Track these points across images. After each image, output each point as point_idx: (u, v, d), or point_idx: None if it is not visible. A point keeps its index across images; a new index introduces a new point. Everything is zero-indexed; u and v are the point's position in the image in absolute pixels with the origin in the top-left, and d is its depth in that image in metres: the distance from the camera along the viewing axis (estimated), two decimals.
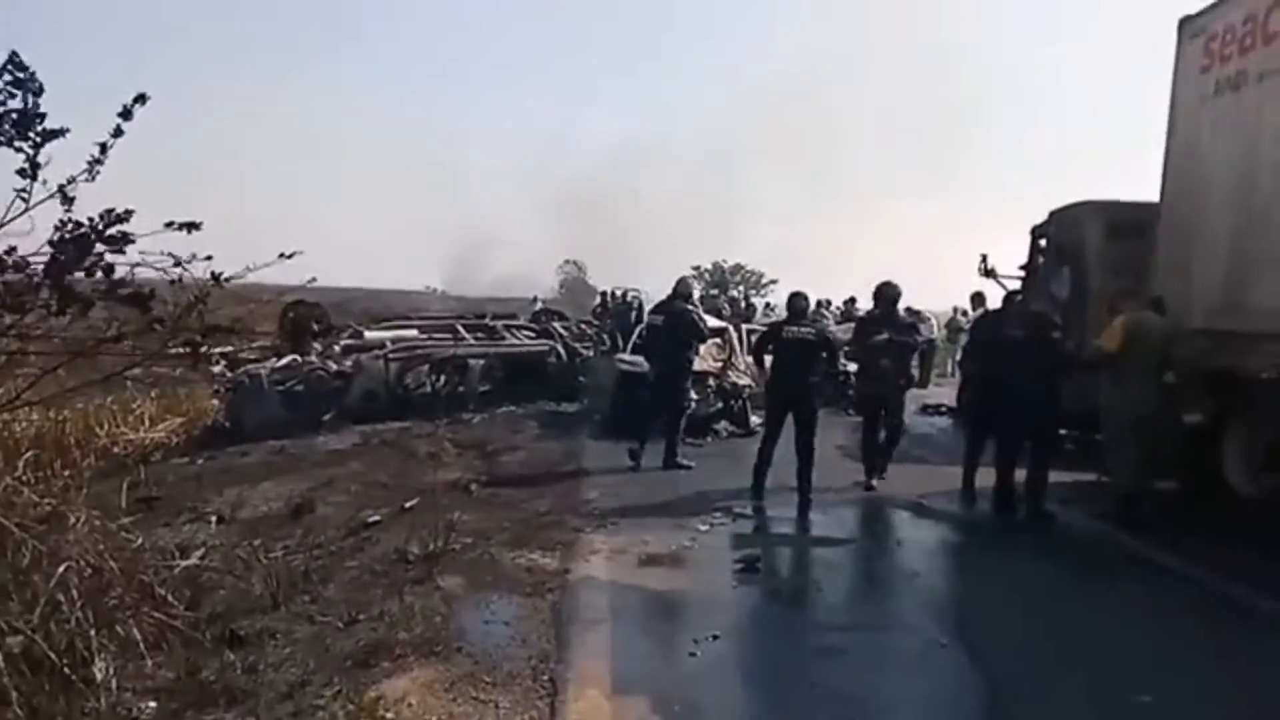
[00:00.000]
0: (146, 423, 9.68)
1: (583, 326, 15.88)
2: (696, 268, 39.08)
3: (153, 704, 3.54)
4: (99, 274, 3.20)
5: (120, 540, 4.61)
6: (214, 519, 6.41)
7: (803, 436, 7.35)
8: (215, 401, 10.77)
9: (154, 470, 7.97)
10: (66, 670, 3.43)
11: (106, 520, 4.72)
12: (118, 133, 3.26)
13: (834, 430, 10.72)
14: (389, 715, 3.50)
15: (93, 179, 3.20)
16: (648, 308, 13.80)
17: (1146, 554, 6.10)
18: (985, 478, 7.33)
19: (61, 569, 3.86)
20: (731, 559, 5.82)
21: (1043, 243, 10.33)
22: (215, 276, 3.42)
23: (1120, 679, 4.05)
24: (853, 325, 15.43)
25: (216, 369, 9.63)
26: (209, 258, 3.41)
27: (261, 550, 5.29)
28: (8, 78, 3.08)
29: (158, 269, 3.33)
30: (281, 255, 3.68)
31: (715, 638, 4.41)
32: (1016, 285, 9.91)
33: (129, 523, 5.00)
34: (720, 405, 10.68)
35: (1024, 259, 10.64)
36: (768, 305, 22.92)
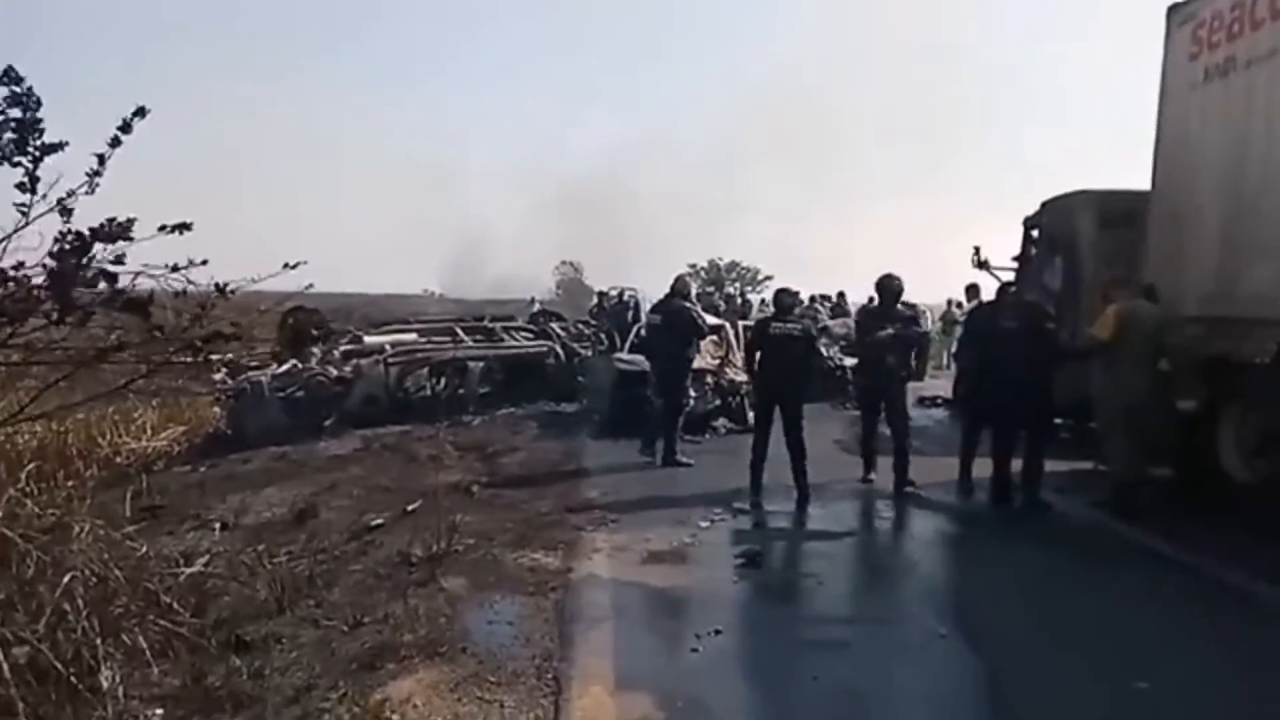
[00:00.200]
0: (149, 432, 9.72)
1: (580, 327, 15.90)
2: (693, 265, 39.05)
3: (159, 711, 3.58)
4: (100, 283, 3.22)
5: (125, 549, 4.64)
6: (218, 526, 6.45)
7: (791, 434, 7.34)
8: (217, 409, 10.81)
9: (157, 479, 8.00)
10: (73, 679, 3.46)
11: (110, 529, 4.75)
12: (115, 143, 3.29)
13: (832, 424, 10.79)
14: (395, 717, 3.54)
15: (92, 191, 3.23)
16: (645, 307, 13.84)
17: (1143, 542, 6.14)
18: (982, 468, 7.37)
19: (66, 579, 3.89)
20: (732, 555, 5.86)
21: (1035, 234, 10.37)
22: (220, 288, 3.45)
23: (1119, 666, 4.09)
24: (845, 319, 15.43)
25: (218, 376, 9.66)
26: (204, 262, 3.42)
27: (265, 556, 5.33)
28: (4, 92, 3.10)
29: (156, 277, 3.35)
30: (286, 265, 3.71)
31: (717, 633, 4.45)
32: (1010, 276, 9.93)
33: (133, 531, 5.03)
34: (718, 402, 10.72)
35: (1017, 250, 10.68)
36: (763, 301, 22.94)
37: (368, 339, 12.59)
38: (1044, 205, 10.18)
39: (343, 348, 12.13)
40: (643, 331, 11.53)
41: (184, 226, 3.34)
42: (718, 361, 10.94)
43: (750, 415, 10.28)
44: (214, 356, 4.00)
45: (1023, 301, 7.63)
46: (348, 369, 11.32)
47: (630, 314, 15.60)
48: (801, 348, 7.57)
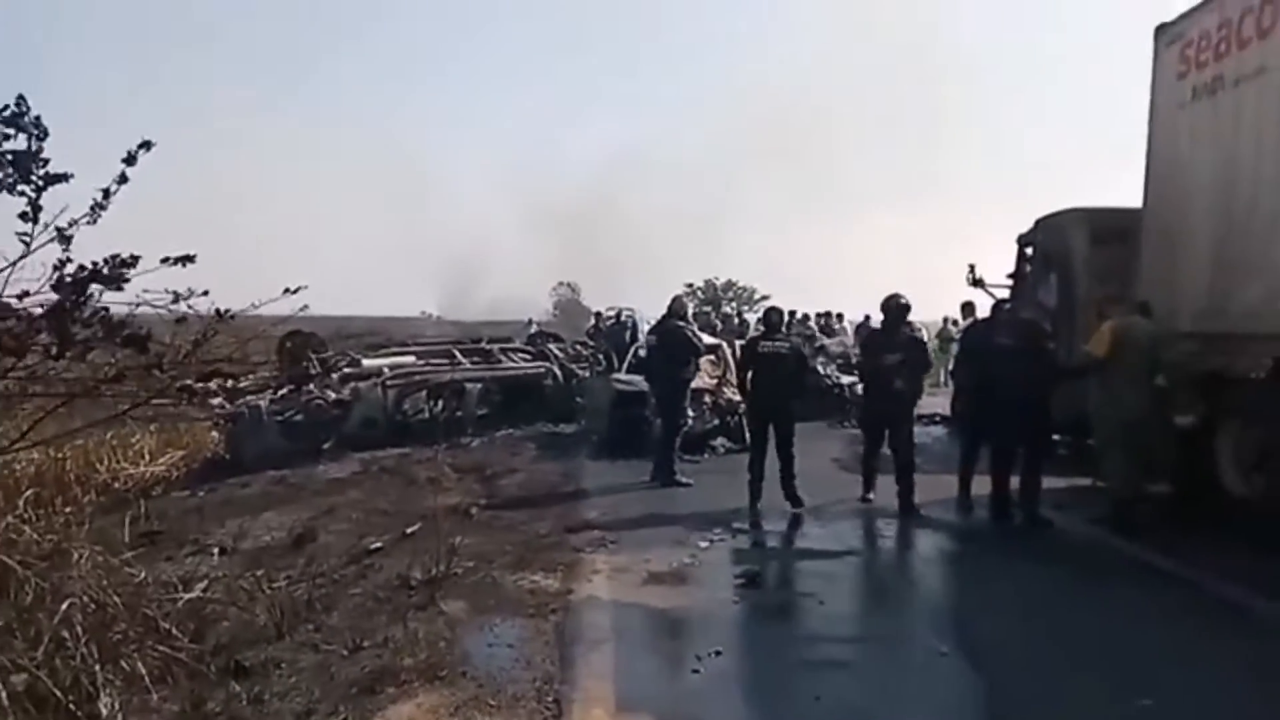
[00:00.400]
0: (146, 457, 9.68)
1: (578, 347, 15.92)
2: (690, 285, 39.15)
3: None
4: (98, 323, 3.24)
5: (123, 575, 4.64)
6: (216, 551, 6.42)
7: (783, 450, 7.64)
8: (215, 434, 10.79)
9: (155, 504, 7.97)
10: (72, 707, 3.45)
11: (109, 555, 4.75)
12: (122, 179, 3.32)
13: (831, 443, 10.82)
14: None
15: (94, 222, 3.26)
16: (643, 327, 13.87)
17: (1142, 557, 6.14)
18: (980, 486, 7.38)
19: (65, 605, 3.89)
20: (732, 574, 5.87)
21: (1029, 251, 10.43)
22: (219, 313, 3.48)
23: (1120, 683, 4.09)
24: (842, 339, 15.48)
25: (215, 401, 9.66)
26: (205, 293, 3.46)
27: (264, 580, 5.31)
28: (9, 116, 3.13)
29: (158, 307, 3.38)
30: (286, 290, 3.74)
31: (718, 653, 4.44)
32: (1005, 294, 9.97)
33: (131, 557, 5.03)
34: (716, 422, 10.74)
35: (1011, 268, 10.74)
36: (758, 321, 22.98)
37: (366, 362, 12.59)
38: (1038, 223, 10.25)
39: (341, 371, 12.14)
40: (641, 352, 11.56)
41: (187, 259, 3.37)
42: (715, 381, 10.96)
43: (747, 435, 10.33)
44: (211, 386, 4.01)
45: (1020, 319, 7.66)
46: (346, 392, 11.33)
47: (628, 334, 15.63)
48: (790, 365, 7.72)
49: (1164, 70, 7.52)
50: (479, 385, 12.59)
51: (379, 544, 6.43)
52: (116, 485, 8.72)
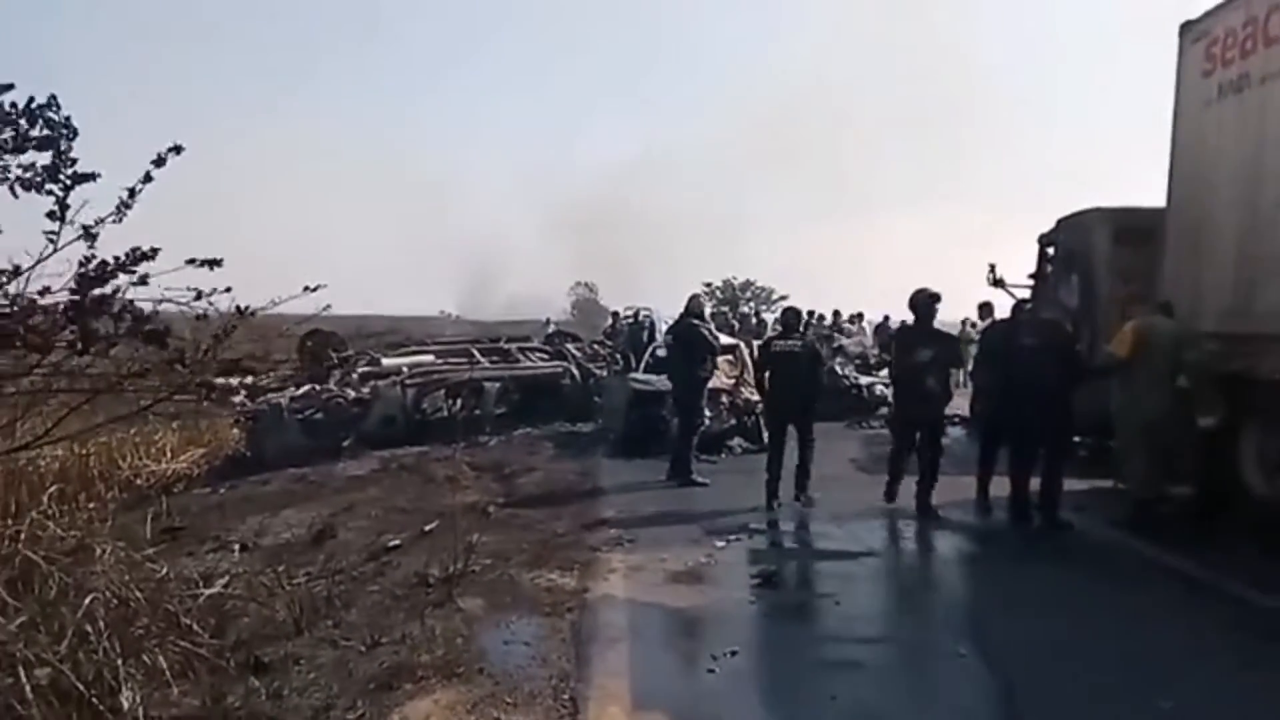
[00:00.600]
0: (168, 454, 9.79)
1: (596, 347, 15.95)
2: (708, 284, 39.16)
3: None
4: (125, 317, 3.28)
5: (145, 570, 4.68)
6: (237, 547, 6.48)
7: (802, 450, 7.82)
8: (236, 431, 10.89)
9: (177, 501, 8.06)
10: (94, 700, 3.48)
11: (131, 551, 4.80)
12: (147, 178, 3.36)
13: (849, 443, 10.78)
14: None
15: (120, 220, 3.29)
16: (661, 327, 13.88)
17: (1163, 560, 6.08)
18: (999, 487, 7.33)
19: (88, 600, 3.93)
20: (749, 574, 5.86)
21: (1051, 251, 10.35)
22: (240, 310, 3.51)
23: (1140, 685, 4.06)
24: (861, 339, 15.42)
25: (237, 399, 9.74)
26: (228, 289, 3.50)
27: (284, 577, 5.34)
28: (40, 120, 3.17)
29: (180, 304, 3.41)
30: (306, 288, 3.77)
31: (734, 653, 4.43)
32: (1025, 294, 9.90)
33: (153, 553, 5.07)
34: (733, 422, 10.72)
35: (1032, 268, 10.66)
36: (776, 321, 22.95)
37: (385, 361, 12.66)
38: (1059, 222, 10.17)
39: (360, 370, 12.22)
40: (659, 352, 11.57)
41: (214, 262, 3.40)
42: (733, 381, 10.94)
43: (765, 434, 10.32)
44: (233, 382, 4.06)
45: (1043, 319, 7.59)
46: (366, 391, 11.40)
47: (646, 334, 15.64)
48: (804, 364, 7.76)
49: (1189, 68, 7.44)
50: (497, 384, 12.63)
51: (397, 541, 6.47)
52: (139, 482, 8.82)
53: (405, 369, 12.13)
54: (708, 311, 10.15)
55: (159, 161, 3.41)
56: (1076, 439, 8.33)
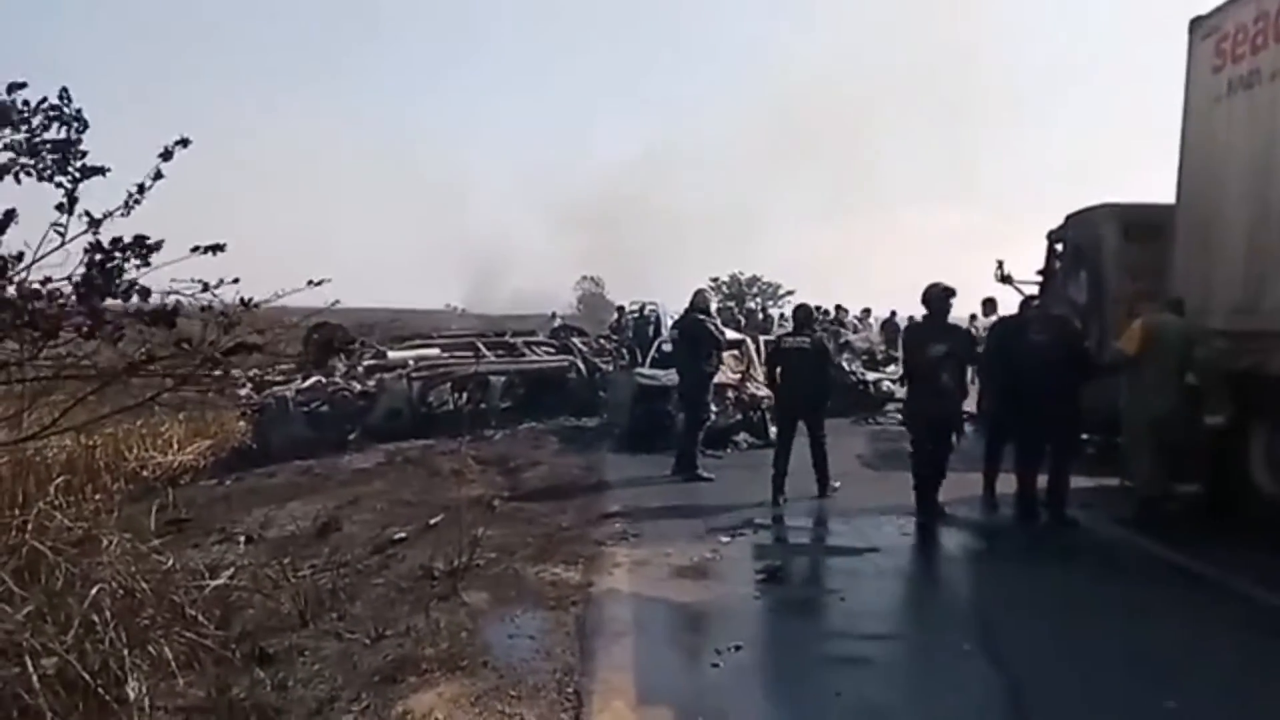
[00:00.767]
0: (175, 446, 9.82)
1: (601, 341, 15.95)
2: (715, 279, 39.18)
3: None
4: (133, 295, 3.28)
5: (151, 562, 4.70)
6: (242, 539, 6.50)
7: (814, 445, 7.88)
8: (242, 423, 10.91)
9: (183, 492, 8.09)
10: (100, 690, 3.49)
11: (137, 542, 4.82)
12: (157, 175, 3.35)
13: (855, 439, 10.76)
14: None
15: (128, 214, 3.29)
16: (666, 321, 13.88)
17: (1169, 558, 6.06)
18: (1006, 484, 7.31)
19: (94, 590, 3.96)
20: (753, 569, 5.85)
21: (1059, 247, 10.29)
22: (245, 301, 3.51)
23: (1145, 684, 4.05)
24: (867, 335, 15.36)
25: (243, 391, 9.76)
26: (236, 280, 3.49)
27: (289, 569, 5.36)
28: (51, 112, 3.17)
29: (186, 296, 3.41)
30: (310, 282, 3.76)
31: (738, 648, 4.43)
32: (1032, 290, 9.86)
33: (159, 544, 5.10)
34: (739, 417, 10.70)
35: (1040, 264, 10.60)
36: (782, 316, 22.93)
37: (391, 354, 12.68)
38: (1068, 218, 10.11)
39: (366, 363, 12.25)
40: (665, 346, 11.56)
41: (217, 248, 3.41)
42: (739, 376, 10.93)
43: (771, 430, 10.32)
44: (237, 371, 4.06)
45: (1052, 316, 7.56)
46: (371, 384, 11.42)
47: (651, 328, 15.64)
48: (812, 359, 7.82)
49: (1199, 64, 7.38)
50: (503, 378, 12.64)
51: (402, 534, 6.49)
52: (145, 473, 8.85)
53: (411, 362, 12.15)
54: (714, 307, 10.13)
55: (166, 155, 3.40)
56: (1084, 436, 8.29)
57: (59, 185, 3.22)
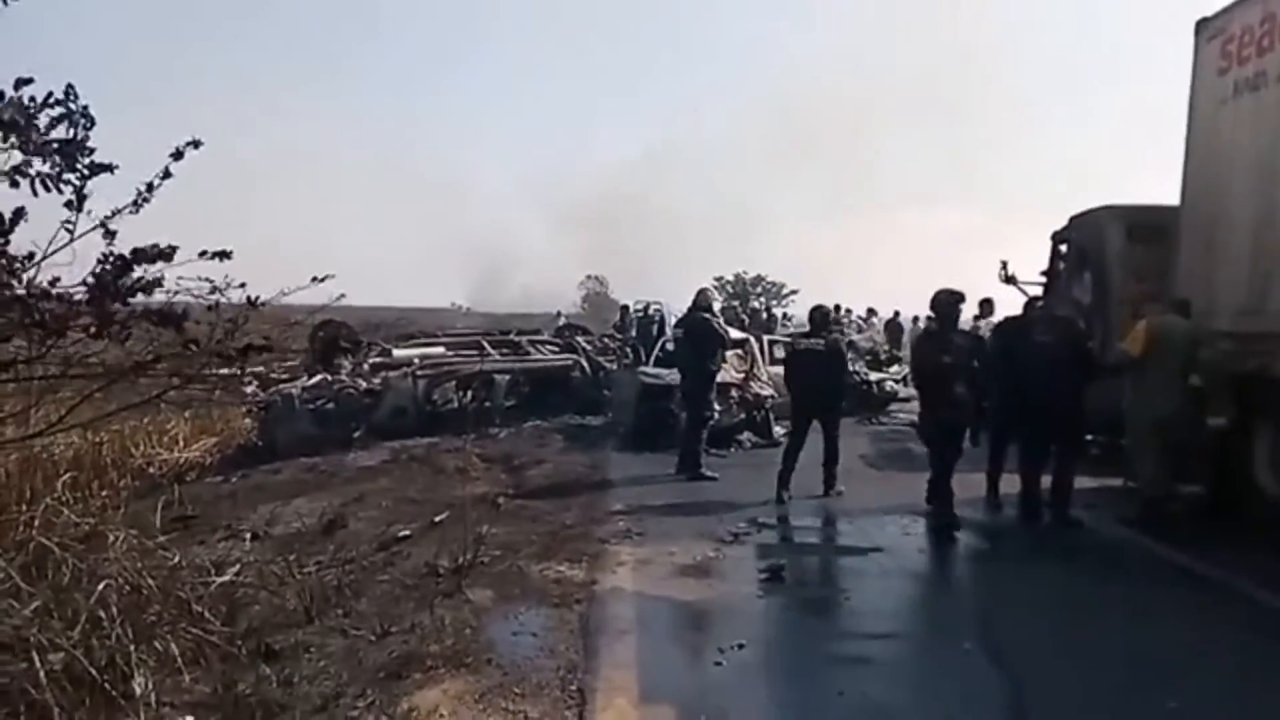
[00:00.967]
0: (181, 443, 9.85)
1: (606, 340, 15.96)
2: (719, 278, 39.15)
3: (190, 718, 3.62)
4: (140, 294, 3.30)
5: (157, 558, 4.72)
6: (248, 536, 6.52)
7: (827, 443, 7.97)
8: (248, 421, 10.95)
9: (189, 489, 8.10)
10: (106, 685, 3.52)
11: (144, 539, 4.83)
12: (166, 174, 3.37)
13: (859, 439, 10.75)
14: None
15: (136, 212, 3.31)
16: (670, 320, 13.88)
17: (1172, 558, 6.06)
18: (1009, 485, 7.31)
19: (101, 587, 3.97)
20: (757, 569, 5.86)
21: (1063, 248, 10.28)
22: (251, 300, 3.53)
23: (1148, 684, 4.06)
24: (872, 335, 15.35)
25: (249, 389, 9.79)
26: (243, 285, 3.52)
27: (295, 566, 5.38)
28: (59, 110, 3.18)
29: (195, 296, 3.44)
30: (314, 279, 3.78)
31: (741, 647, 4.45)
32: (1037, 291, 9.85)
33: (166, 541, 5.11)
34: (743, 416, 10.72)
35: (1041, 264, 10.60)
36: (785, 315, 22.93)
37: (396, 352, 12.71)
38: (1072, 220, 10.10)
39: (372, 361, 12.27)
40: (669, 345, 11.57)
41: (224, 254, 3.43)
42: (742, 375, 10.94)
43: (775, 429, 10.35)
44: (245, 369, 4.08)
45: (1057, 317, 7.55)
46: (377, 382, 11.45)
47: (655, 327, 15.64)
48: (825, 361, 7.88)
49: (1204, 66, 7.37)
50: (507, 376, 12.66)
51: (407, 532, 6.50)
52: (151, 470, 8.88)
53: (416, 360, 12.17)
54: (718, 306, 10.14)
55: (177, 155, 3.42)
56: (1088, 437, 8.28)
57: (68, 184, 3.24)
